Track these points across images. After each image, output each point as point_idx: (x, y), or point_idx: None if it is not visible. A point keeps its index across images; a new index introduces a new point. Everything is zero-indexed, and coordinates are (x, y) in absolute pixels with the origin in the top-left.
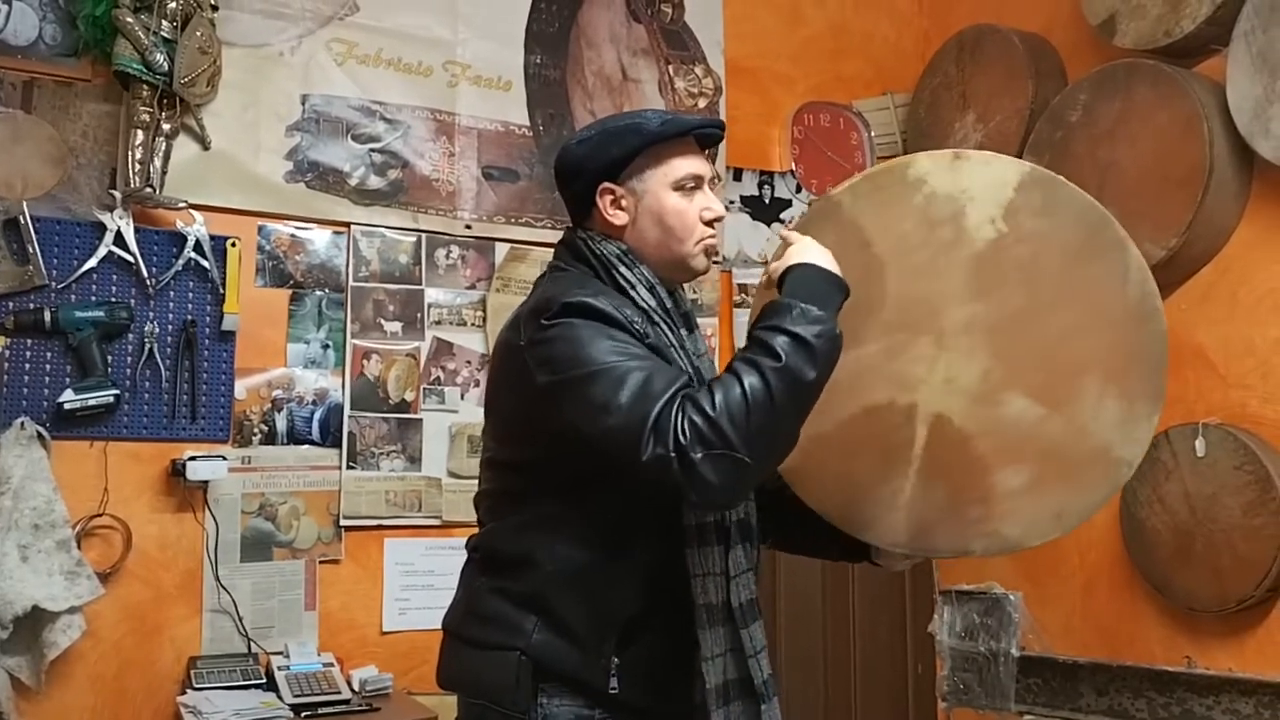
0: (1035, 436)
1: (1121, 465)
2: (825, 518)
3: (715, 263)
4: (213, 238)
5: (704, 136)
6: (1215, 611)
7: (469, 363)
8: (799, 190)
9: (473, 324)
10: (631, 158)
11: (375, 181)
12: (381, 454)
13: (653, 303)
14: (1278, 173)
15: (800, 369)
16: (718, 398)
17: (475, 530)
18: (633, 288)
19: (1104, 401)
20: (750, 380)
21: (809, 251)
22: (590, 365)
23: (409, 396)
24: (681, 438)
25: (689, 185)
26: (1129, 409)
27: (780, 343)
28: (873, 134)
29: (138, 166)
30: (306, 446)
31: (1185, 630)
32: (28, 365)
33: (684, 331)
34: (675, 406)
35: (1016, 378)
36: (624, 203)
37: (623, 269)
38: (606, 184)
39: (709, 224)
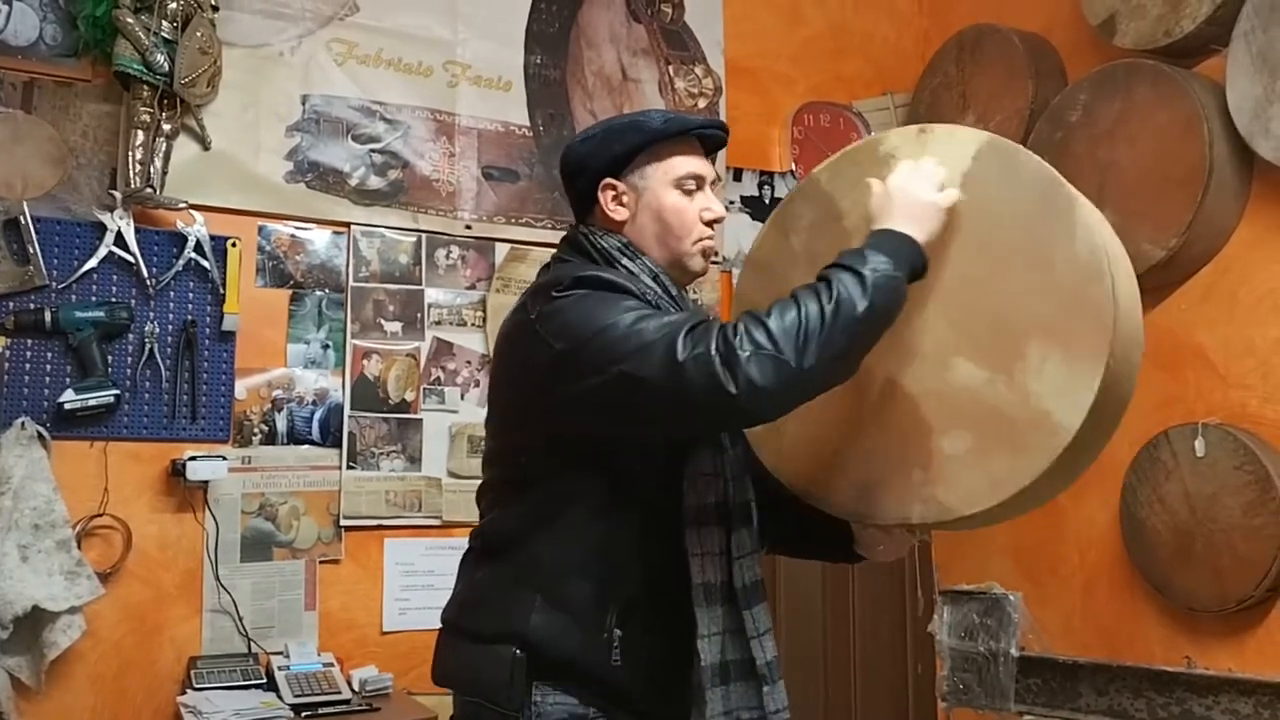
0: (978, 401)
1: (1059, 431)
2: (795, 491)
3: (714, 263)
4: (213, 238)
5: (707, 139)
6: (1215, 611)
7: (469, 363)
8: None
9: (473, 324)
10: (633, 154)
11: (375, 182)
12: (381, 454)
13: (657, 289)
14: (1278, 173)
15: (853, 298)
16: (773, 310)
17: (470, 558)
18: (636, 277)
19: (1046, 365)
20: (806, 300)
21: (900, 208)
22: (607, 321)
23: (409, 396)
24: (731, 335)
25: (689, 185)
26: (1070, 373)
27: (837, 274)
28: (873, 134)
29: (138, 167)
30: (306, 446)
31: (1185, 630)
32: (28, 365)
33: None
34: (715, 324)
35: (964, 341)
36: (625, 199)
37: (625, 260)
38: (608, 180)
39: (708, 224)
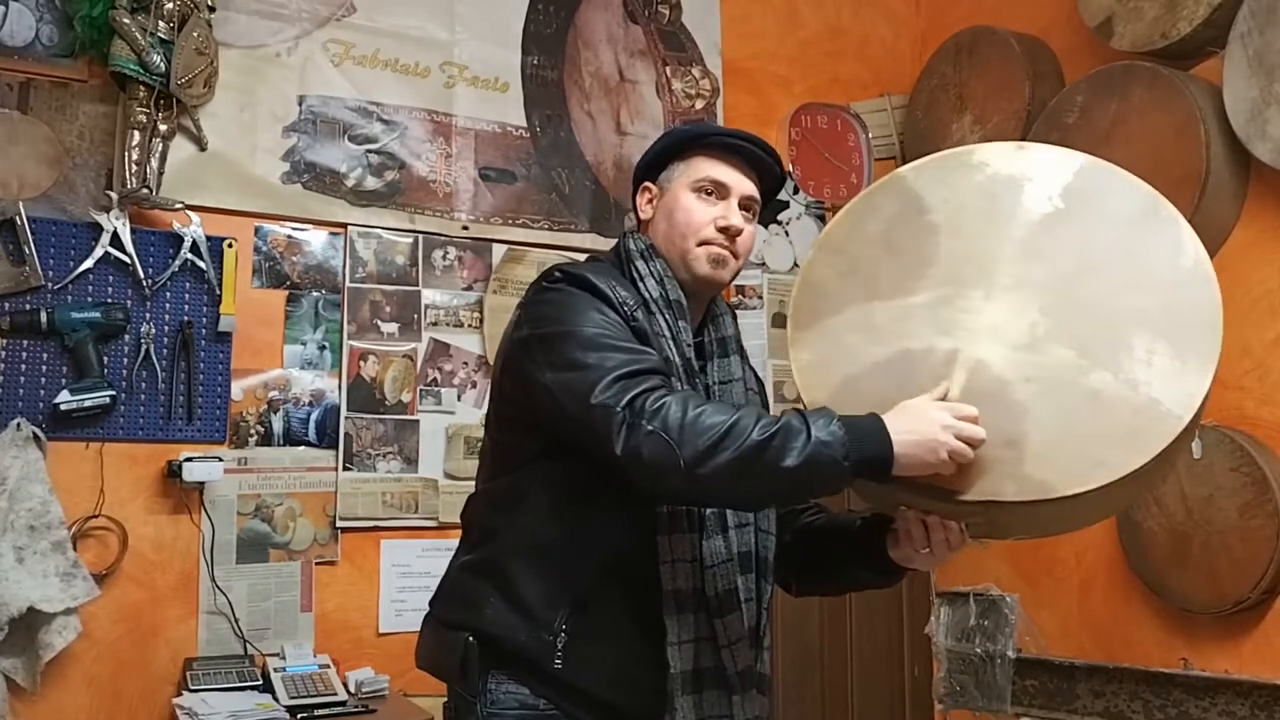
0: (1077, 385)
1: (1170, 419)
2: None
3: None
4: (209, 238)
5: (759, 164)
6: (1211, 613)
7: (466, 364)
8: (796, 192)
9: (470, 325)
10: (666, 157)
11: (372, 182)
12: (378, 455)
13: (656, 293)
14: (1274, 175)
15: (786, 449)
16: (709, 408)
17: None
18: (642, 279)
19: (1154, 357)
20: (744, 418)
21: (907, 412)
22: (567, 325)
23: (405, 398)
24: (649, 404)
25: (707, 189)
26: (1180, 365)
27: (793, 418)
28: (870, 135)
29: (134, 167)
30: (303, 448)
31: (1181, 632)
32: (24, 366)
33: (717, 360)
34: (645, 381)
35: (1063, 330)
36: (653, 200)
37: (639, 262)
38: (645, 182)
39: (722, 231)
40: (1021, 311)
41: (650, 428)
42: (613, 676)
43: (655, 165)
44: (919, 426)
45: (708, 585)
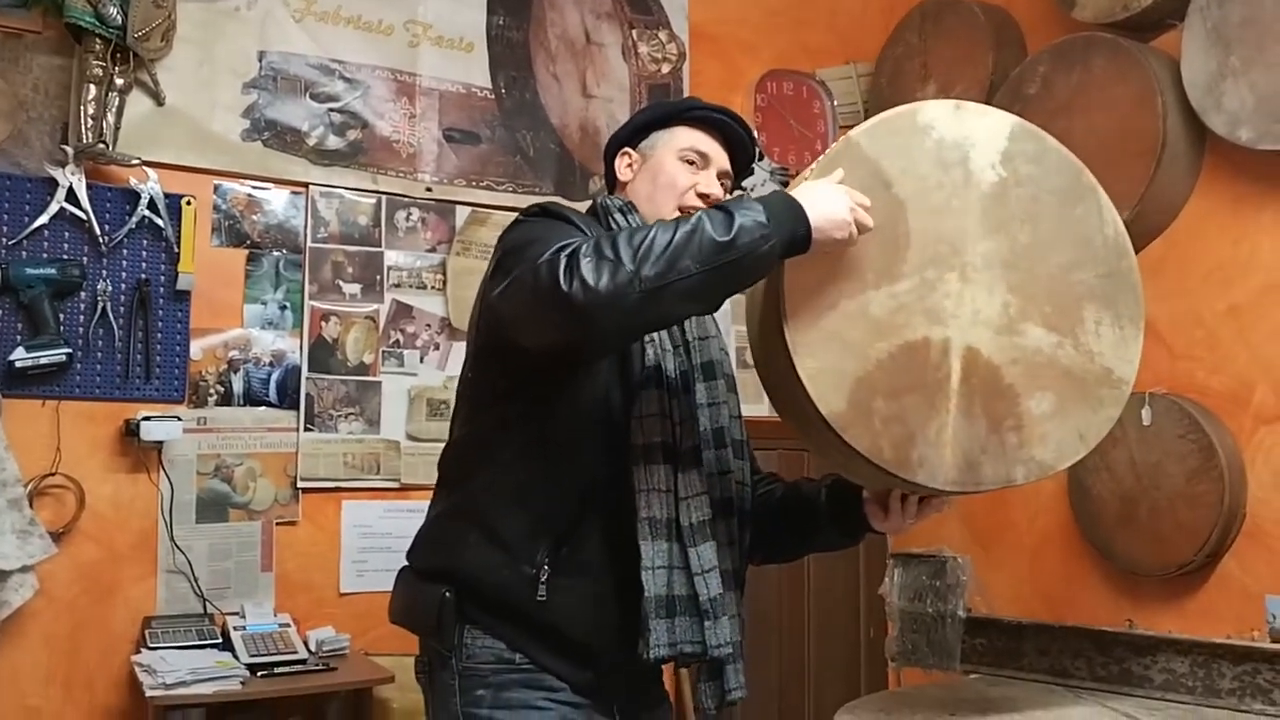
0: (1053, 363)
1: (1122, 384)
2: (878, 463)
3: None
4: (167, 196)
5: (730, 135)
6: (1157, 576)
7: (428, 326)
8: (761, 158)
9: (433, 287)
10: (650, 126)
11: (334, 142)
12: (339, 416)
13: None
14: (1229, 147)
15: (713, 230)
16: (627, 232)
17: (433, 493)
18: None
19: (1101, 328)
20: (661, 226)
21: (809, 189)
22: (535, 236)
23: (368, 359)
24: (578, 248)
25: (691, 156)
26: (1120, 333)
27: (707, 212)
28: (835, 103)
29: (90, 122)
30: (263, 408)
31: (1128, 594)
32: None
33: (695, 317)
34: (583, 240)
35: (1031, 308)
36: (634, 165)
37: (617, 215)
38: (625, 148)
39: (701, 198)
40: (994, 291)
41: (589, 256)
42: (590, 610)
43: (638, 133)
44: (831, 206)
45: (682, 515)
